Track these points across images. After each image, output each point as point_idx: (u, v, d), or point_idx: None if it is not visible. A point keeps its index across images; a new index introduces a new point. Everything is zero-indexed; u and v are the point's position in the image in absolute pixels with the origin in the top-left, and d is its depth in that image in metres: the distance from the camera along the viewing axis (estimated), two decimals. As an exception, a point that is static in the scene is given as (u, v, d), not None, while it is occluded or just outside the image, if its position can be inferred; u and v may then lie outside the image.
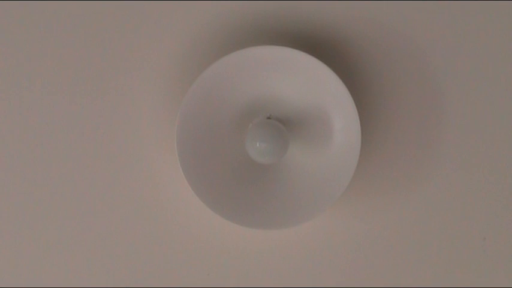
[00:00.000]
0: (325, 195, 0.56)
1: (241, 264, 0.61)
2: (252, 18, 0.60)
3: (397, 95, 0.60)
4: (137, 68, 0.60)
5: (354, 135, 0.56)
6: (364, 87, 0.60)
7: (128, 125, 0.60)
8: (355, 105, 0.55)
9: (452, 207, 0.61)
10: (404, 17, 0.60)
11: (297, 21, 0.60)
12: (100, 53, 0.60)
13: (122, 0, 0.60)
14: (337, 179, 0.56)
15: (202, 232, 0.60)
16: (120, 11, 0.60)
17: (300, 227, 0.60)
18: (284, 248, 0.61)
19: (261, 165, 0.58)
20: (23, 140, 0.60)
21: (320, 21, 0.60)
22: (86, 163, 0.60)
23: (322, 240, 0.61)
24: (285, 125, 0.57)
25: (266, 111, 0.58)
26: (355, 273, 0.61)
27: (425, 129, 0.60)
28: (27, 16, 0.60)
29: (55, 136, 0.60)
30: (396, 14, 0.60)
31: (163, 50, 0.60)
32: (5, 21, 0.60)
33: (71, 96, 0.60)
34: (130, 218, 0.60)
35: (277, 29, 0.60)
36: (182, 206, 0.60)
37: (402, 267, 0.61)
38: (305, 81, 0.57)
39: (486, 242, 0.61)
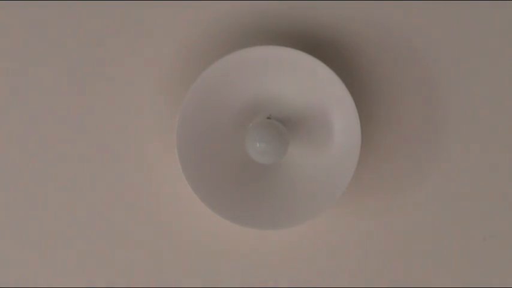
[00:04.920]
0: (325, 195, 0.56)
1: (241, 264, 0.61)
2: (252, 18, 0.60)
3: (397, 95, 0.60)
4: (137, 68, 0.60)
5: (354, 135, 0.56)
6: (364, 87, 0.60)
7: (127, 124, 0.60)
8: (355, 105, 0.55)
9: (452, 207, 0.61)
10: (405, 17, 0.60)
11: (297, 21, 0.60)
12: (100, 52, 0.60)
13: (123, 0, 0.60)
14: (337, 179, 0.56)
15: (202, 232, 0.60)
16: (120, 10, 0.60)
17: (300, 227, 0.60)
18: (284, 248, 0.61)
19: (261, 165, 0.58)
20: (22, 138, 0.60)
21: (320, 21, 0.60)
22: (85, 163, 0.60)
23: (322, 240, 0.61)
24: (285, 125, 0.57)
25: (266, 111, 0.58)
26: (355, 273, 0.61)
27: (425, 129, 0.60)
28: (27, 16, 0.60)
29: (55, 136, 0.60)
30: (396, 14, 0.60)
31: (163, 50, 0.60)
32: (4, 18, 0.60)
33: (70, 96, 0.60)
34: (130, 218, 0.60)
35: (277, 29, 0.60)
36: (182, 206, 0.60)
37: (402, 267, 0.61)
38: (305, 81, 0.57)
39: (486, 242, 0.61)
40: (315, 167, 0.58)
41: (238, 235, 0.60)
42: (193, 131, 0.56)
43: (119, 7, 0.60)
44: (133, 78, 0.60)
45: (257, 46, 0.56)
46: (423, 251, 0.61)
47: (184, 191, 0.59)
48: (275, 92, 0.58)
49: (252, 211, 0.57)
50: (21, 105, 0.60)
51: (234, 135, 0.58)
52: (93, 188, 0.60)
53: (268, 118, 0.57)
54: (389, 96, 0.60)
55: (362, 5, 0.60)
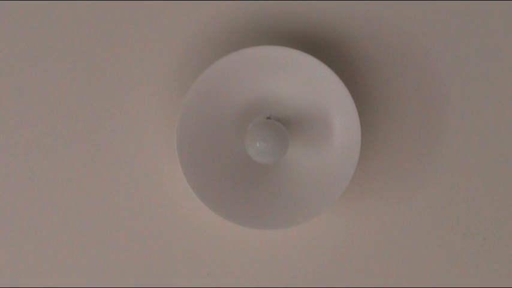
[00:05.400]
0: (325, 195, 0.56)
1: (241, 264, 0.61)
2: (252, 18, 0.60)
3: (397, 95, 0.60)
4: (137, 68, 0.60)
5: (354, 135, 0.56)
6: (364, 87, 0.60)
7: (128, 125, 0.60)
8: (355, 105, 0.55)
9: (452, 207, 0.61)
10: (405, 17, 0.60)
11: (297, 21, 0.60)
12: (100, 53, 0.60)
13: (122, 0, 0.60)
14: (337, 179, 0.56)
15: (202, 232, 0.60)
16: (120, 11, 0.60)
17: (300, 227, 0.60)
18: (284, 248, 0.61)
19: (261, 165, 0.58)
20: (23, 139, 0.60)
21: (320, 21, 0.60)
22: (86, 163, 0.60)
23: (322, 240, 0.61)
24: (285, 125, 0.57)
25: (266, 111, 0.58)
26: (355, 273, 0.61)
27: (426, 129, 0.60)
28: (28, 16, 0.60)
29: (55, 136, 0.60)
30: (396, 14, 0.60)
31: (163, 50, 0.60)
32: (5, 21, 0.60)
33: (70, 96, 0.60)
34: (130, 218, 0.60)
35: (277, 29, 0.60)
36: (182, 206, 0.60)
37: (402, 267, 0.61)
38: (305, 81, 0.57)
39: (486, 242, 0.61)
40: (315, 167, 0.58)
41: (238, 235, 0.60)
42: (193, 131, 0.56)
43: (119, 7, 0.60)
44: (133, 78, 0.60)
45: (257, 46, 0.56)
46: (423, 251, 0.61)
47: (184, 191, 0.59)
48: (275, 92, 0.58)
49: (252, 211, 0.57)
50: (20, 105, 0.60)
51: (234, 135, 0.58)
52: (93, 188, 0.60)
53: (268, 118, 0.57)
54: (389, 96, 0.60)
55: (362, 5, 0.60)
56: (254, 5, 0.60)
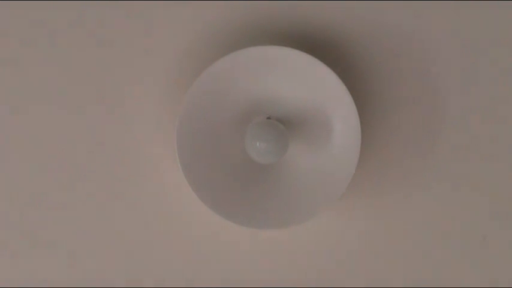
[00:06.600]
0: (325, 195, 0.56)
1: (241, 264, 0.61)
2: (252, 18, 0.60)
3: (397, 95, 0.60)
4: (137, 68, 0.60)
5: (354, 135, 0.56)
6: (364, 87, 0.60)
7: (127, 125, 0.60)
8: (355, 105, 0.55)
9: (452, 206, 0.61)
10: (404, 16, 0.60)
11: (297, 21, 0.60)
12: (99, 53, 0.60)
13: (123, 0, 0.60)
14: (337, 179, 0.56)
15: (202, 232, 0.60)
16: (120, 11, 0.60)
17: (300, 227, 0.60)
18: (284, 248, 0.61)
19: (261, 165, 0.58)
20: (24, 140, 0.60)
21: (320, 21, 0.60)
22: (85, 163, 0.60)
23: (322, 240, 0.61)
24: (285, 125, 0.57)
25: (266, 111, 0.58)
26: (355, 273, 0.61)
27: (425, 129, 0.60)
28: (27, 18, 0.60)
29: (54, 136, 0.60)
30: (396, 14, 0.60)
31: (163, 49, 0.60)
32: (5, 19, 0.60)
33: (70, 96, 0.60)
34: (129, 218, 0.60)
35: (277, 29, 0.60)
36: (182, 205, 0.60)
37: (402, 267, 0.61)
38: (305, 81, 0.57)
39: (486, 241, 0.61)
40: (315, 167, 0.58)
41: (238, 235, 0.60)
42: (193, 131, 0.56)
43: (119, 7, 0.60)
44: (133, 78, 0.60)
45: (257, 46, 0.56)
46: (423, 251, 0.61)
47: (184, 191, 0.59)
48: (275, 92, 0.58)
49: (252, 211, 0.57)
50: (22, 108, 0.60)
51: (234, 135, 0.58)
52: (93, 188, 0.60)
53: (268, 118, 0.57)
54: (389, 96, 0.60)
55: (362, 5, 0.60)
56: (254, 5, 0.60)
